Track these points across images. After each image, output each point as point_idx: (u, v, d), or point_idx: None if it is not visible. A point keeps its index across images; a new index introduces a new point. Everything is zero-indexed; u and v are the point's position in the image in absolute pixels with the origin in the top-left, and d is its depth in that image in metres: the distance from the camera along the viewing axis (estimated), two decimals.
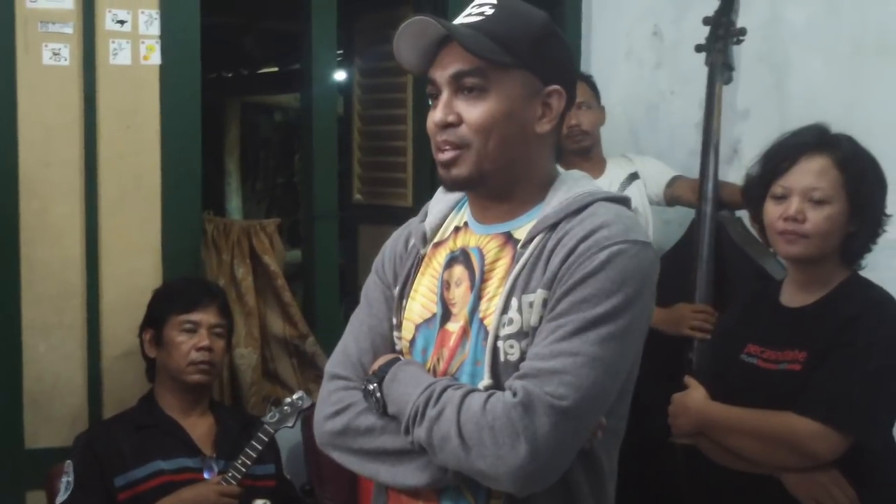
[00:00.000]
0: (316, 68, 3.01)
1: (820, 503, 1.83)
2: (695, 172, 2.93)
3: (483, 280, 1.40)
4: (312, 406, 2.53)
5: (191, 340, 2.41)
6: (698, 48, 2.81)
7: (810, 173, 1.87)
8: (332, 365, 1.51)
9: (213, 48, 2.81)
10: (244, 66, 6.91)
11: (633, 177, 2.92)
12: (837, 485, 1.81)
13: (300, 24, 3.09)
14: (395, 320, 1.50)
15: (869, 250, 1.92)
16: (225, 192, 7.38)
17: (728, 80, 2.78)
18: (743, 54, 2.92)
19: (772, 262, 2.53)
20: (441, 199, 1.54)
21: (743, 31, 2.76)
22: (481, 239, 1.44)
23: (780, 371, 1.87)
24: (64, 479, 2.31)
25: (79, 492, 2.28)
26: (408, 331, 1.48)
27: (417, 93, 3.50)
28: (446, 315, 1.44)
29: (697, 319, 2.59)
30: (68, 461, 2.33)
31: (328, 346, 2.97)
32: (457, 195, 1.52)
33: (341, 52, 3.82)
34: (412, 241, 1.52)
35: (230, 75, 7.07)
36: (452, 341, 1.41)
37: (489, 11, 1.38)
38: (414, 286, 1.49)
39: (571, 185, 1.42)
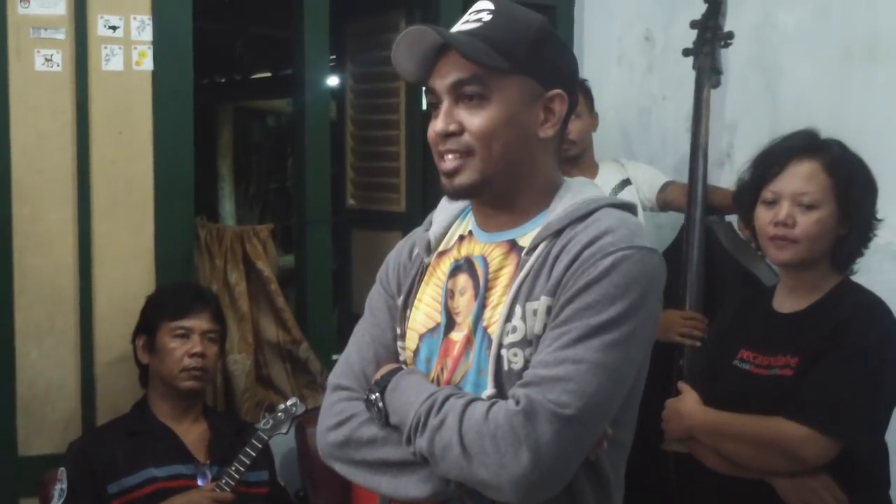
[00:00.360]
0: (308, 73, 3.01)
1: None
2: (686, 177, 2.94)
3: (487, 288, 1.39)
4: (306, 412, 2.54)
5: (184, 346, 2.41)
6: (685, 52, 2.81)
7: (799, 178, 1.88)
8: (335, 376, 1.50)
9: (206, 53, 2.80)
10: (237, 71, 6.91)
11: (626, 182, 2.92)
12: (828, 489, 1.81)
13: (292, 30, 3.08)
14: (398, 330, 1.49)
15: (860, 254, 1.92)
16: (218, 197, 7.38)
17: (716, 84, 2.78)
18: (734, 58, 2.93)
19: (761, 266, 2.53)
20: (445, 208, 1.53)
21: (730, 35, 2.76)
22: (486, 247, 1.43)
23: (772, 376, 1.88)
24: (57, 487, 2.30)
25: (72, 499, 2.27)
26: (411, 341, 1.47)
27: (410, 98, 3.50)
28: (450, 324, 1.43)
29: (687, 326, 2.59)
30: (61, 468, 2.32)
31: (321, 351, 2.98)
32: (461, 204, 1.51)
33: (334, 57, 3.82)
34: (416, 251, 1.51)
35: (223, 80, 7.07)
36: (456, 350, 1.40)
37: (486, 18, 1.37)
38: (418, 296, 1.48)
39: (577, 191, 1.41)
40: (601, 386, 1.25)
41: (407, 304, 1.49)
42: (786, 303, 1.96)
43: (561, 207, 1.38)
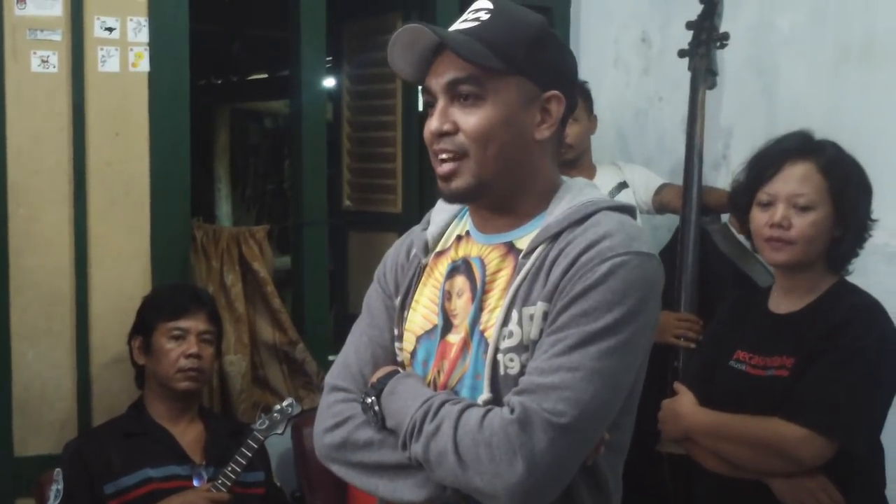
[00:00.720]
0: (305, 75, 3.01)
1: None
2: (682, 178, 2.95)
3: (484, 291, 1.38)
4: (302, 413, 2.54)
5: (179, 347, 2.41)
6: (681, 53, 2.81)
7: (794, 180, 1.88)
8: (332, 377, 1.49)
9: (203, 55, 2.81)
10: (233, 72, 6.92)
11: (623, 185, 2.92)
12: (825, 490, 1.82)
13: (289, 31, 3.09)
14: (396, 331, 1.48)
15: (856, 255, 1.93)
16: (215, 199, 7.38)
17: (712, 86, 2.78)
18: (730, 60, 2.94)
19: (756, 268, 2.53)
20: (443, 208, 1.51)
21: (726, 36, 2.75)
22: (483, 248, 1.41)
23: (769, 377, 1.88)
24: (53, 488, 2.30)
25: (68, 500, 2.27)
26: (409, 342, 1.46)
27: (407, 99, 3.51)
28: (447, 326, 1.42)
29: (682, 328, 2.59)
30: (57, 469, 2.32)
31: (317, 352, 2.98)
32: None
33: (330, 58, 3.83)
34: (414, 251, 1.50)
35: (220, 82, 7.07)
36: (453, 353, 1.39)
37: (484, 17, 1.35)
38: (415, 297, 1.47)
39: (576, 193, 1.40)
40: (597, 393, 1.24)
41: (404, 305, 1.47)
42: (782, 304, 1.96)
43: (559, 210, 1.37)
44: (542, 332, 1.30)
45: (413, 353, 1.45)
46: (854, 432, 1.80)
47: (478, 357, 1.36)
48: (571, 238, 1.32)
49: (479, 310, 1.37)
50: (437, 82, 1.36)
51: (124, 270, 2.66)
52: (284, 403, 2.47)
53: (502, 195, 1.38)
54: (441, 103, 1.36)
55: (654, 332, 1.36)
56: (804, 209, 1.87)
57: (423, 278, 1.47)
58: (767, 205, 1.91)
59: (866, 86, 2.70)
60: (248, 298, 2.95)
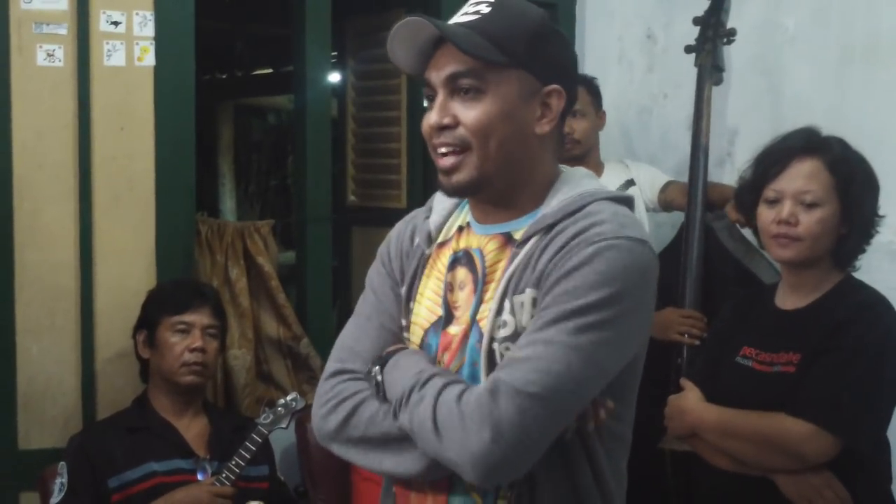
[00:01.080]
0: (310, 71, 3.01)
1: None
2: (687, 175, 2.95)
3: (485, 283, 1.38)
4: (306, 407, 2.54)
5: (184, 342, 2.41)
6: (688, 49, 2.81)
7: (801, 176, 1.88)
8: (338, 360, 1.46)
9: (207, 50, 2.81)
10: (238, 67, 6.92)
11: (630, 183, 2.93)
12: (830, 486, 1.82)
13: (292, 27, 3.08)
14: (403, 322, 1.48)
15: (862, 251, 1.93)
16: (219, 195, 7.38)
17: (718, 82, 2.78)
18: (735, 58, 2.94)
19: (761, 265, 2.53)
20: (445, 198, 1.50)
21: (733, 32, 2.76)
22: (482, 240, 1.42)
23: (775, 373, 1.88)
24: (57, 481, 2.30)
25: (72, 493, 2.27)
26: (416, 335, 1.46)
27: (412, 95, 3.51)
28: (448, 318, 1.42)
29: (685, 325, 2.59)
30: (62, 462, 2.33)
31: (321, 347, 2.98)
32: None
33: (335, 54, 3.83)
34: (417, 240, 1.49)
35: (224, 76, 7.07)
36: (454, 344, 1.39)
37: (485, 10, 1.35)
38: (420, 289, 1.47)
39: (574, 184, 1.40)
40: (570, 365, 1.23)
41: (410, 297, 1.48)
42: (788, 300, 1.96)
43: (556, 201, 1.37)
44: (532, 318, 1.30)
45: (421, 346, 1.45)
46: (859, 429, 1.80)
47: (474, 347, 1.36)
48: (564, 227, 1.32)
49: (480, 301, 1.38)
50: (438, 75, 1.36)
51: (129, 265, 2.66)
52: (288, 398, 2.47)
53: (502, 189, 1.38)
54: (441, 97, 1.36)
55: (648, 319, 1.35)
56: (811, 206, 1.87)
57: (427, 270, 1.48)
58: (774, 202, 1.91)
59: (870, 84, 2.70)
60: (252, 293, 2.95)
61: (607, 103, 3.03)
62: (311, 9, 2.99)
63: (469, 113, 1.34)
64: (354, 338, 1.49)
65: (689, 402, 1.99)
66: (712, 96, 2.77)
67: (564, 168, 1.45)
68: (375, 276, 1.53)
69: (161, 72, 2.65)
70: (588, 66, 3.43)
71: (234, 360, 2.85)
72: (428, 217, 1.51)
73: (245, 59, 6.56)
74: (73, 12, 2.56)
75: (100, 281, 2.63)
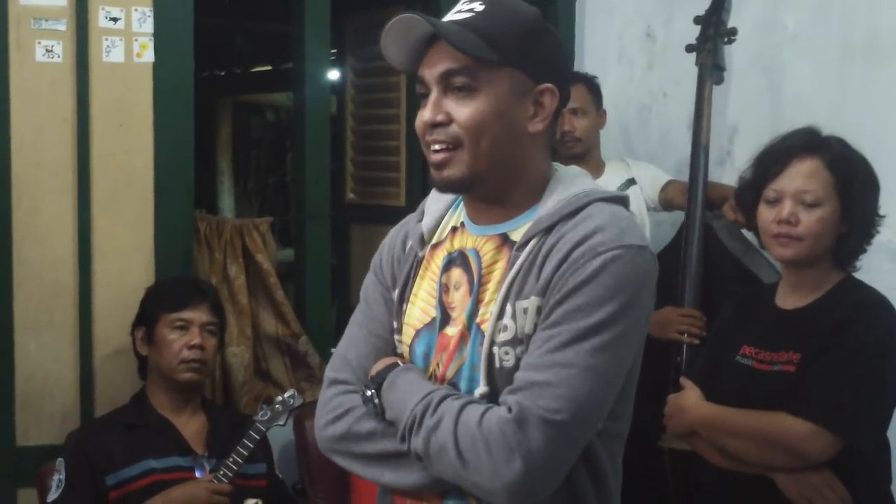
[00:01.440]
0: (309, 68, 3.00)
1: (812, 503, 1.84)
2: (687, 173, 2.95)
3: (481, 283, 1.38)
4: (304, 405, 2.54)
5: (182, 339, 2.41)
6: (689, 48, 2.81)
7: (801, 176, 1.89)
8: (332, 370, 1.50)
9: (205, 47, 2.80)
10: (236, 64, 6.91)
11: (631, 182, 2.93)
12: (829, 485, 1.82)
13: (292, 24, 3.08)
14: (395, 324, 1.48)
15: (863, 251, 1.93)
16: (217, 192, 7.38)
17: (719, 81, 2.78)
18: (735, 57, 2.93)
19: (761, 264, 2.53)
20: (437, 199, 1.51)
21: (734, 31, 2.76)
22: (478, 240, 1.42)
23: (775, 372, 1.88)
24: (55, 478, 2.30)
25: (70, 490, 2.27)
26: (408, 336, 1.46)
27: (411, 92, 3.50)
28: (445, 319, 1.42)
29: (685, 324, 2.59)
30: (59, 459, 2.33)
31: (319, 345, 2.98)
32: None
33: (334, 51, 3.82)
34: (410, 243, 1.50)
35: (223, 73, 7.07)
36: (451, 346, 1.39)
37: (479, 8, 1.36)
38: (413, 290, 1.47)
39: (568, 184, 1.40)
40: (592, 390, 1.25)
41: (403, 299, 1.48)
42: (788, 299, 1.96)
43: (552, 202, 1.37)
44: (535, 326, 1.31)
45: (412, 347, 1.46)
46: (859, 428, 1.80)
47: (475, 350, 1.37)
48: (564, 232, 1.32)
49: (477, 302, 1.38)
50: (431, 73, 1.36)
51: (127, 262, 2.66)
52: (286, 395, 2.47)
53: (494, 186, 1.38)
54: (434, 94, 1.36)
55: (647, 322, 1.37)
56: (811, 205, 1.87)
57: (420, 271, 1.48)
58: (774, 201, 1.91)
59: (870, 83, 2.69)
60: (251, 290, 2.94)
61: (607, 101, 3.03)
62: (311, 5, 2.98)
63: (462, 111, 1.34)
64: (346, 346, 1.51)
65: (689, 400, 1.99)
66: (713, 94, 2.77)
67: (558, 166, 1.45)
68: (368, 284, 1.55)
69: (160, 68, 2.64)
70: (588, 64, 3.43)
71: (233, 358, 2.84)
72: (420, 220, 1.51)
73: (244, 56, 6.55)
74: (71, 8, 2.55)
75: (98, 278, 2.63)
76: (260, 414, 2.43)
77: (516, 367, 1.31)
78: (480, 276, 1.38)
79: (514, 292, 1.33)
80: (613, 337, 1.27)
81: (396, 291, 1.49)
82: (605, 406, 1.30)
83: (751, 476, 1.89)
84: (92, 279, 2.62)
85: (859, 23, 2.72)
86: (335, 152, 3.44)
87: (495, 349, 1.34)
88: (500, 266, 1.37)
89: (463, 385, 1.38)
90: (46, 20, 2.54)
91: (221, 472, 2.33)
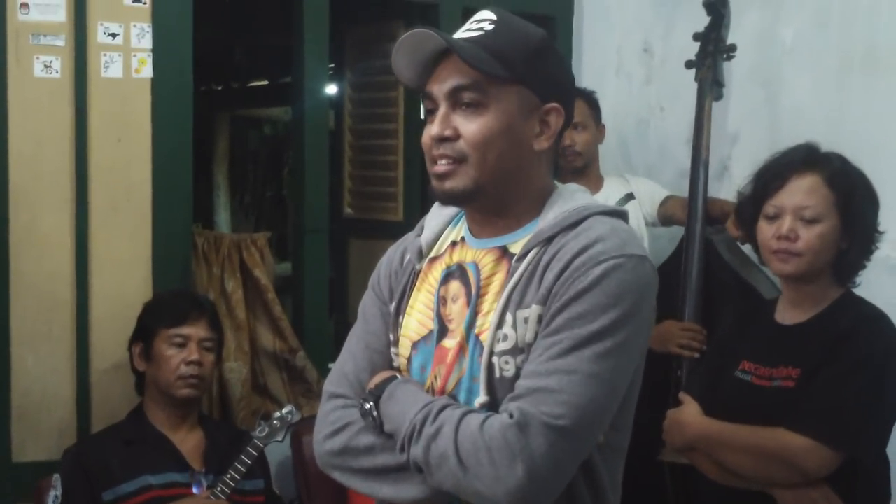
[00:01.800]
0: (307, 82, 3.01)
1: None
2: (684, 189, 2.95)
3: (479, 295, 1.39)
4: (302, 420, 2.53)
5: (180, 354, 2.40)
6: (688, 64, 2.82)
7: (801, 192, 1.89)
8: (330, 384, 1.50)
9: (204, 61, 2.80)
10: (234, 79, 6.92)
11: (629, 197, 2.94)
12: (828, 500, 1.81)
13: (290, 38, 3.09)
14: (392, 337, 1.49)
15: (863, 267, 1.93)
16: (214, 206, 7.37)
17: (718, 97, 2.79)
18: (734, 69, 2.94)
19: (761, 279, 2.53)
20: (437, 214, 1.52)
21: (733, 48, 2.76)
22: (477, 253, 1.42)
23: (774, 388, 1.88)
24: (52, 494, 2.29)
25: None
26: (405, 348, 1.47)
27: (409, 107, 3.51)
28: (443, 331, 1.42)
29: (685, 338, 2.59)
30: (56, 475, 2.31)
31: (317, 360, 2.97)
32: (453, 209, 1.50)
33: (332, 65, 3.83)
34: (408, 257, 1.50)
35: (220, 88, 7.07)
36: (449, 358, 1.40)
37: (488, 27, 1.37)
38: (410, 302, 1.47)
39: (568, 198, 1.41)
40: (594, 397, 1.25)
41: (399, 311, 1.48)
42: (788, 315, 1.96)
43: (552, 215, 1.38)
44: (536, 334, 1.31)
45: (409, 359, 1.46)
46: (860, 443, 1.80)
47: (473, 361, 1.37)
48: (564, 242, 1.33)
49: (475, 314, 1.38)
50: (440, 88, 1.38)
51: (125, 276, 2.65)
52: (284, 410, 2.46)
53: (495, 201, 1.39)
54: (443, 109, 1.37)
55: (649, 334, 1.37)
56: (811, 221, 1.87)
57: (418, 284, 1.48)
58: (774, 217, 1.92)
59: (869, 95, 2.70)
60: (248, 305, 2.94)
61: (605, 115, 3.03)
62: (310, 20, 2.99)
63: (470, 126, 1.35)
64: (343, 360, 1.52)
65: (688, 415, 1.99)
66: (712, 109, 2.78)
67: (557, 184, 1.46)
68: (366, 301, 1.55)
69: (158, 83, 2.65)
70: (586, 78, 3.43)
71: (230, 373, 2.84)
72: (419, 235, 1.52)
73: (242, 71, 6.56)
74: (70, 24, 2.56)
75: (96, 291, 2.62)
76: (258, 430, 2.42)
77: (516, 376, 1.31)
78: (479, 288, 1.39)
79: (514, 301, 1.34)
80: (615, 344, 1.27)
81: (393, 304, 1.49)
82: (608, 413, 1.30)
83: (750, 491, 1.89)
84: (89, 292, 2.61)
85: (857, 35, 2.73)
86: (333, 166, 3.44)
87: (495, 359, 1.34)
88: (499, 278, 1.38)
89: (462, 397, 1.38)
90: (45, 35, 2.55)
91: (219, 489, 2.32)
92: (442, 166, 1.37)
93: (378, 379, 1.43)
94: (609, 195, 2.89)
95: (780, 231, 1.89)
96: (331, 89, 4.03)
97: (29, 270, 2.56)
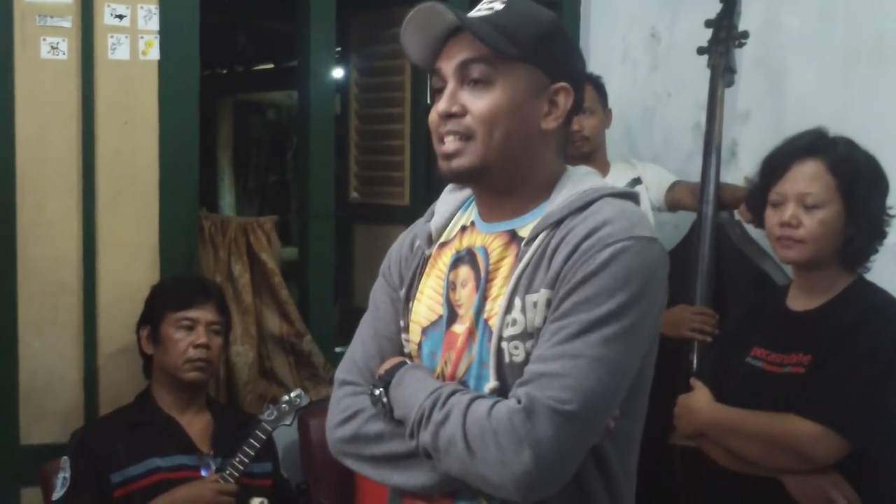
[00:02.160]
0: (314, 66, 2.99)
1: None
2: (690, 175, 2.95)
3: (488, 280, 1.38)
4: (310, 404, 2.54)
5: (188, 338, 2.41)
6: (700, 51, 2.82)
7: (803, 179, 1.89)
8: (341, 371, 1.50)
9: (208, 45, 2.79)
10: (238, 62, 6.90)
11: (636, 181, 2.94)
12: (838, 487, 1.82)
13: (296, 22, 3.07)
14: (402, 323, 1.48)
15: (873, 252, 1.93)
16: (217, 190, 7.37)
17: (730, 83, 2.80)
18: (740, 59, 2.93)
19: (771, 263, 2.54)
20: (447, 200, 1.52)
21: (745, 35, 2.78)
22: (486, 238, 1.42)
23: (785, 374, 1.88)
24: (60, 476, 2.30)
25: (74, 488, 2.27)
26: (415, 333, 1.47)
27: (415, 92, 3.50)
28: (452, 317, 1.42)
29: (697, 322, 2.60)
30: (64, 457, 2.32)
31: (322, 345, 2.98)
32: (464, 194, 1.50)
33: (338, 49, 3.81)
34: (417, 243, 1.50)
35: (224, 72, 7.05)
36: (459, 343, 1.40)
37: (499, 7, 1.37)
38: (420, 288, 1.47)
39: (577, 181, 1.40)
40: (601, 380, 1.24)
41: (409, 297, 1.48)
42: (799, 301, 1.97)
43: (561, 198, 1.37)
44: (545, 319, 1.30)
45: (420, 345, 1.46)
46: (868, 431, 1.80)
47: (483, 346, 1.36)
48: (573, 225, 1.32)
49: (484, 298, 1.38)
50: (449, 64, 1.37)
51: (132, 260, 2.65)
52: (293, 394, 2.46)
53: (503, 182, 1.39)
54: (451, 86, 1.37)
55: (659, 317, 1.36)
56: (813, 207, 1.88)
57: (427, 269, 1.48)
58: (778, 204, 1.92)
59: (875, 86, 2.69)
60: (255, 289, 2.94)
61: (611, 102, 3.03)
62: (316, 3, 2.97)
63: (478, 102, 1.35)
64: (353, 348, 1.52)
65: (698, 401, 1.99)
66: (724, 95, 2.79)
67: (567, 167, 1.46)
68: (377, 288, 1.55)
69: (165, 66, 2.64)
70: (592, 64, 3.42)
71: (237, 357, 2.84)
72: (429, 221, 1.52)
73: (246, 55, 6.54)
74: (77, 5, 2.55)
75: (102, 276, 2.62)
76: (266, 413, 2.43)
77: (526, 361, 1.31)
78: (487, 272, 1.39)
79: (522, 286, 1.33)
80: (623, 327, 1.26)
81: (403, 290, 1.49)
82: (616, 398, 1.29)
83: (759, 477, 1.89)
84: (96, 277, 2.61)
85: (864, 26, 2.72)
86: (338, 151, 3.43)
87: (504, 344, 1.33)
88: (508, 262, 1.37)
89: (472, 383, 1.38)
90: (52, 17, 2.54)
91: (227, 472, 2.32)
92: (449, 144, 1.36)
93: (388, 365, 1.44)
94: (616, 181, 2.89)
95: (782, 218, 1.90)
96: (337, 74, 4.01)
97: (35, 255, 2.55)
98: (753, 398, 1.90)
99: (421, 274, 1.48)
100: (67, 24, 2.55)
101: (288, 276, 3.08)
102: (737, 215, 2.69)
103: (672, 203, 2.93)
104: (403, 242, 1.55)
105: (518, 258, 1.36)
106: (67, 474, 2.28)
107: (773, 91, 2.95)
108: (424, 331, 1.45)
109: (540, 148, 1.39)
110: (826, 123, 2.00)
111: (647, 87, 3.40)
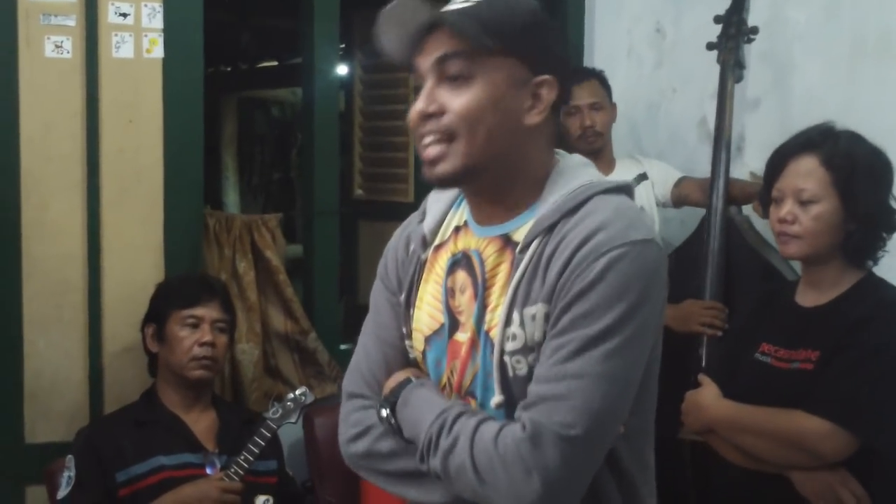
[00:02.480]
0: (318, 63, 2.99)
1: (828, 502, 1.83)
2: (695, 170, 2.94)
3: (486, 287, 1.35)
4: (315, 402, 2.54)
5: (193, 335, 2.40)
6: (709, 46, 2.82)
7: (798, 175, 1.90)
8: (347, 382, 1.48)
9: (212, 43, 2.79)
10: (242, 60, 6.90)
11: (642, 177, 2.93)
12: (846, 484, 1.81)
13: (300, 19, 3.07)
14: (404, 330, 1.45)
15: (879, 247, 1.92)
16: (222, 188, 7.37)
17: (739, 79, 2.80)
18: (746, 53, 2.92)
19: (780, 259, 2.53)
20: (439, 198, 1.47)
21: (755, 30, 2.78)
22: (480, 242, 1.38)
23: (793, 370, 1.88)
24: (65, 474, 2.30)
25: (79, 487, 2.26)
26: (418, 342, 1.44)
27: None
28: (454, 325, 1.39)
29: (707, 316, 2.59)
30: (69, 456, 2.32)
31: (327, 342, 2.98)
32: (454, 192, 1.45)
33: (343, 46, 3.81)
34: (412, 246, 1.46)
35: (228, 69, 7.06)
36: (463, 353, 1.37)
37: None
38: (419, 294, 1.44)
39: (569, 176, 1.35)
40: (605, 398, 1.22)
41: (409, 304, 1.45)
42: (807, 297, 1.96)
43: (552, 198, 1.32)
44: (544, 333, 1.27)
45: (424, 354, 1.43)
46: (877, 427, 1.79)
47: (486, 358, 1.34)
48: (566, 231, 1.28)
49: (483, 307, 1.34)
50: (426, 61, 1.32)
51: (136, 258, 2.65)
52: (298, 392, 2.46)
53: (491, 182, 1.34)
54: (429, 84, 1.32)
55: (661, 315, 1.33)
56: (808, 203, 1.88)
57: (425, 274, 1.44)
58: (778, 200, 1.93)
59: (881, 80, 2.68)
60: (259, 287, 2.93)
61: (616, 98, 3.02)
62: (320, 1, 2.97)
63: (456, 100, 1.29)
64: (357, 357, 1.49)
65: (707, 397, 1.99)
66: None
67: (560, 153, 1.40)
68: (376, 291, 1.52)
69: (170, 64, 2.64)
70: (597, 60, 3.42)
71: (242, 355, 2.84)
72: (422, 221, 1.47)
73: (250, 52, 6.54)
74: (81, 4, 2.55)
75: (107, 274, 2.62)
76: (271, 411, 2.42)
77: (530, 374, 1.28)
78: (484, 280, 1.35)
79: (520, 298, 1.29)
80: (624, 340, 1.23)
81: (402, 296, 1.45)
82: (623, 410, 1.27)
83: (767, 474, 1.89)
84: (101, 275, 2.61)
85: (870, 20, 2.70)
86: (343, 148, 3.43)
87: (506, 358, 1.31)
88: (504, 269, 1.33)
89: (479, 393, 1.35)
90: (56, 16, 2.53)
91: (233, 470, 2.32)
92: (431, 148, 1.31)
93: (392, 383, 1.41)
94: (622, 177, 2.88)
95: (779, 214, 1.90)
96: (341, 70, 4.01)
97: (40, 254, 2.55)
98: (761, 394, 1.89)
99: (419, 280, 1.44)
100: (71, 22, 2.55)
101: (293, 274, 3.08)
102: (745, 210, 2.69)
103: (678, 199, 2.92)
104: (398, 244, 1.50)
105: (513, 267, 1.32)
106: (72, 473, 2.28)
107: (780, 85, 2.94)
108: (428, 339, 1.42)
109: (526, 144, 1.34)
110: (832, 117, 1.99)
111: (652, 83, 3.39)
